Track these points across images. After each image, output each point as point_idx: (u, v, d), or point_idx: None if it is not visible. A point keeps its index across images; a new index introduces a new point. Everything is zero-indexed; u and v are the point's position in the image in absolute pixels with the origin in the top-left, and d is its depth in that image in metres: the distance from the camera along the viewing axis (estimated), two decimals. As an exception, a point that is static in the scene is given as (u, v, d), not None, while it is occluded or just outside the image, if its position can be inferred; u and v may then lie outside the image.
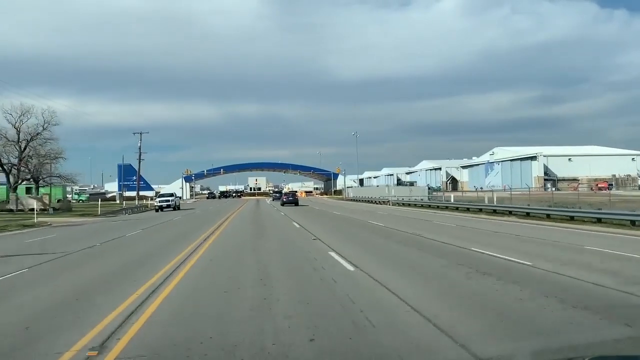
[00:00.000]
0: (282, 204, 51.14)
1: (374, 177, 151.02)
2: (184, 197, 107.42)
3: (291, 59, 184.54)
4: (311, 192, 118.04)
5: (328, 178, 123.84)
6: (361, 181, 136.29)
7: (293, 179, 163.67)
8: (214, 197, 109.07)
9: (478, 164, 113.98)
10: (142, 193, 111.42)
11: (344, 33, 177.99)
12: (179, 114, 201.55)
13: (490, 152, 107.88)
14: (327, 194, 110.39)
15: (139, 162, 68.14)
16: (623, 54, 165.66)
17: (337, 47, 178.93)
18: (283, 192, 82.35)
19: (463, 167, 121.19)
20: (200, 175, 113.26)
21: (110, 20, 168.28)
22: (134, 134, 69.89)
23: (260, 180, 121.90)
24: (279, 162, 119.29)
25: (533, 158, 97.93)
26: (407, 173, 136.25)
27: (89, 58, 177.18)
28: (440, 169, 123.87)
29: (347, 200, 74.33)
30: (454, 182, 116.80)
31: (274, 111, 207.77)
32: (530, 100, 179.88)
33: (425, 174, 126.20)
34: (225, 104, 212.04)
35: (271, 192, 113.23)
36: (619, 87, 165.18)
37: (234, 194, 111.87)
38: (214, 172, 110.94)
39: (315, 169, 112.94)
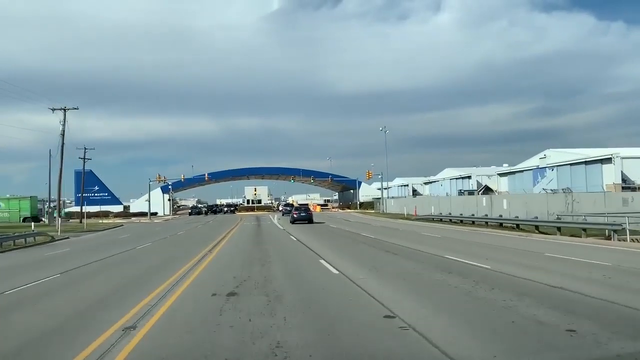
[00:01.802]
0: (293, 222, 39.60)
1: (385, 189, 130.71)
2: (162, 212, 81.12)
3: (290, 73, 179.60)
4: (326, 205, 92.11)
5: (346, 187, 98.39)
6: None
7: (297, 189, 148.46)
8: (199, 213, 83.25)
9: (522, 170, 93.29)
10: (107, 208, 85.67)
11: (342, 47, 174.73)
12: (178, 129, 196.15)
13: (541, 155, 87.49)
14: (349, 207, 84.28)
15: (57, 164, 42.35)
16: (620, 66, 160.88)
17: (335, 60, 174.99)
18: (294, 206, 57.61)
19: (500, 175, 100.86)
20: (179, 185, 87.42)
21: (109, 35, 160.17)
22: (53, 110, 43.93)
23: (260, 191, 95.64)
24: (284, 167, 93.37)
25: (606, 160, 75.05)
26: (425, 183, 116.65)
27: (87, 73, 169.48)
28: (469, 177, 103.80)
29: (388, 216, 49.18)
30: (487, 193, 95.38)
31: (274, 125, 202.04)
32: (529, 112, 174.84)
33: (450, 183, 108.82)
34: (225, 117, 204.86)
35: (276, 204, 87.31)
36: (617, 99, 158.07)
37: (225, 209, 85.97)
38: (197, 180, 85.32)
39: (335, 176, 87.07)
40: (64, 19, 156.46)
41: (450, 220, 36.59)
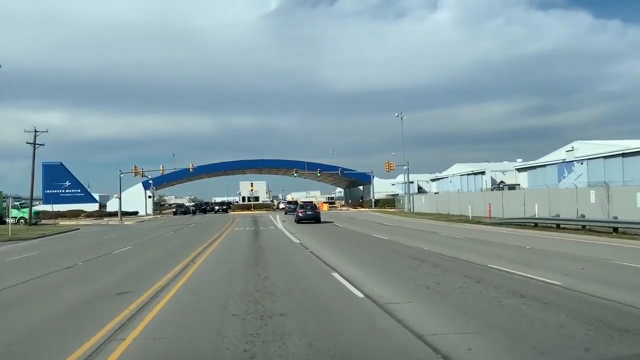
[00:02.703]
0: (298, 221, 34.86)
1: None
2: (144, 212, 68.97)
3: (288, 71, 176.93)
4: (333, 203, 79.94)
5: (354, 182, 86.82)
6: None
7: (296, 186, 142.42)
8: (185, 213, 70.94)
9: (544, 165, 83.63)
10: (79, 206, 73.31)
11: (339, 45, 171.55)
12: (175, 127, 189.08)
13: (568, 147, 77.99)
14: (361, 205, 72.31)
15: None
16: (616, 64, 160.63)
17: (333, 59, 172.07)
18: (299, 203, 49.20)
19: (519, 170, 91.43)
20: (162, 180, 75.35)
21: (106, 33, 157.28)
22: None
23: (258, 187, 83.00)
24: (285, 159, 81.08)
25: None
26: (432, 180, 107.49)
27: (84, 71, 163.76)
28: (483, 173, 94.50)
29: (428, 217, 38.14)
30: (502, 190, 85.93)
31: (271, 123, 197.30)
32: (525, 110, 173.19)
33: (461, 179, 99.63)
34: (222, 116, 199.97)
35: (277, 202, 75.72)
36: (613, 97, 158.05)
37: (216, 207, 73.60)
38: (184, 175, 73.04)
39: (345, 169, 74.64)
40: (61, 17, 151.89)
41: (559, 225, 24.22)
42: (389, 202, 66.98)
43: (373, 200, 68.87)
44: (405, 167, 54.30)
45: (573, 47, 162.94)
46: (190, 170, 57.86)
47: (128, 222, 49.25)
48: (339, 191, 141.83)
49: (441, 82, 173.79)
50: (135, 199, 74.38)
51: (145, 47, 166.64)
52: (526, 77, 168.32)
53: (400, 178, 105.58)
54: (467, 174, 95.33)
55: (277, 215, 51.00)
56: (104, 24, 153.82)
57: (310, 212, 35.45)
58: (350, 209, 72.41)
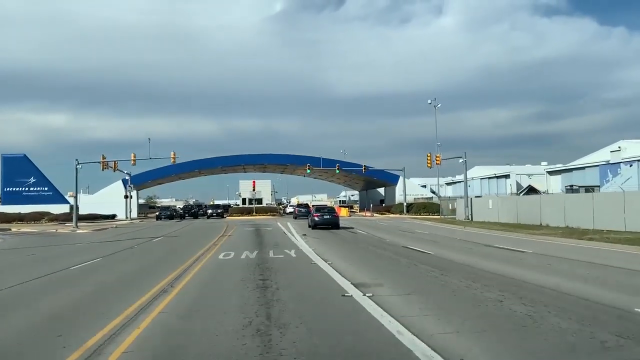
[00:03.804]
0: (313, 226, 30.78)
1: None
2: (124, 215, 56.01)
3: (292, 74, 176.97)
4: (351, 207, 66.56)
5: (373, 183, 74.72)
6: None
7: (301, 189, 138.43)
8: (170, 217, 57.49)
9: (582, 167, 72.77)
10: (47, 207, 60.22)
11: (344, 49, 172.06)
12: (179, 130, 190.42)
13: (614, 147, 68.73)
14: (388, 211, 59.05)
15: None
16: (621, 71, 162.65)
17: (337, 63, 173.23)
18: (316, 206, 38.49)
19: (550, 173, 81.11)
20: (146, 177, 62.58)
21: (110, 35, 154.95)
22: None
23: (261, 186, 68.95)
24: (295, 154, 67.97)
25: None
26: (447, 184, 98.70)
27: (88, 73, 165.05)
28: (507, 176, 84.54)
29: (509, 229, 26.32)
30: (530, 194, 78.27)
31: (275, 126, 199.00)
32: (530, 116, 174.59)
33: (481, 183, 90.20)
34: (225, 119, 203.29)
35: (284, 206, 63.41)
36: (618, 104, 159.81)
37: (210, 211, 59.85)
38: (168, 172, 60.30)
39: (369, 167, 60.78)
40: (64, 17, 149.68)
41: None
42: (426, 207, 53.50)
43: (405, 204, 55.24)
44: (461, 160, 40.87)
45: (578, 53, 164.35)
46: (172, 160, 44.19)
47: (83, 230, 35.89)
48: (352, 194, 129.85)
49: (445, 88, 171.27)
50: (115, 199, 61.21)
51: (149, 49, 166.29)
52: (530, 83, 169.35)
53: (413, 181, 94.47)
54: (489, 177, 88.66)
55: (289, 223, 37.76)
56: (109, 25, 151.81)
57: (328, 216, 31.97)
58: (375, 214, 58.92)
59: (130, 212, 57.55)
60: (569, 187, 47.83)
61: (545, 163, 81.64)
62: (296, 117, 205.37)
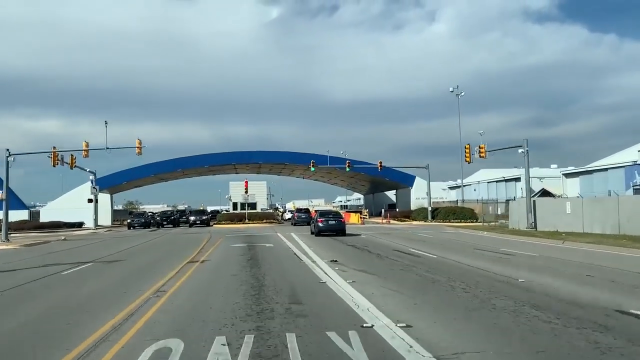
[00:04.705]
0: (317, 233, 28.48)
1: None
2: (94, 222, 46.17)
3: (286, 80, 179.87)
4: (360, 212, 57.01)
5: (379, 183, 66.10)
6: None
7: (296, 194, 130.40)
8: (145, 225, 47.53)
9: (605, 169, 67.39)
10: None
11: (338, 55, 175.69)
12: (172, 136, 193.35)
13: None
14: (408, 217, 49.81)
15: None
16: (612, 77, 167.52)
17: (331, 69, 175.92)
18: (318, 211, 34.27)
19: (567, 175, 75.64)
20: (120, 179, 53.37)
21: (104, 40, 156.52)
22: None
23: (255, 188, 58.75)
24: (295, 151, 58.62)
25: None
26: (451, 188, 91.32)
27: (80, 78, 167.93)
28: (518, 179, 77.91)
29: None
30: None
31: (269, 133, 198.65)
32: (522, 122, 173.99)
33: (487, 187, 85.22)
34: (218, 125, 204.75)
35: (281, 212, 54.76)
36: (609, 109, 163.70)
37: (192, 218, 49.75)
38: (146, 172, 51.11)
39: (387, 168, 51.05)
40: (58, 23, 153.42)
41: None
42: (456, 212, 43.91)
43: (430, 209, 45.54)
44: (520, 151, 31.31)
45: (569, 60, 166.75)
46: (137, 151, 34.17)
47: (4, 246, 25.88)
48: (351, 198, 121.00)
49: (437, 94, 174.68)
50: (85, 205, 51.03)
51: (144, 55, 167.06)
52: (522, 90, 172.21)
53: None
54: (497, 181, 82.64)
55: (294, 235, 28.20)
56: (103, 31, 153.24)
57: (334, 222, 29.74)
58: (391, 220, 49.33)
59: (97, 219, 47.53)
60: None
61: (555, 166, 76.80)
62: (290, 123, 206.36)
